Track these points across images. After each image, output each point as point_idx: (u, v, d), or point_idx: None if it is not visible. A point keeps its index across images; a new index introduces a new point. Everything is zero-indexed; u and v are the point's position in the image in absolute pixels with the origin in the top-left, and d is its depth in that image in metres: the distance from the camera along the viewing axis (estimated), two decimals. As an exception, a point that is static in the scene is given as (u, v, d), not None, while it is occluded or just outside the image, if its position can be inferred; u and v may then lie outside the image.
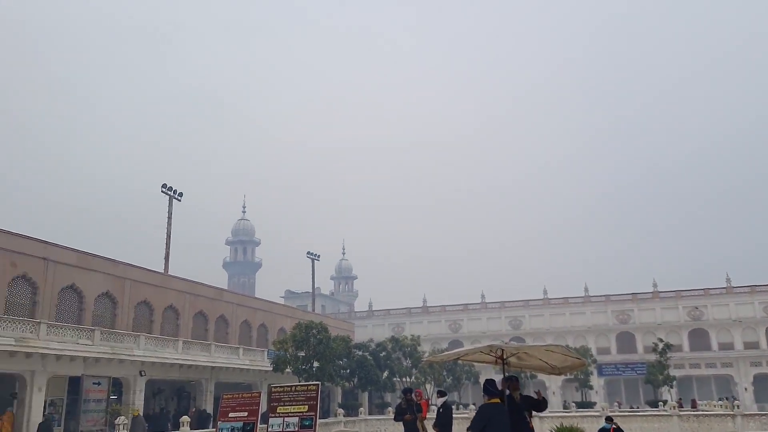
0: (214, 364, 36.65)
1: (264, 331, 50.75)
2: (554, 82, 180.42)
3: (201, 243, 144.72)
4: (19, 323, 26.10)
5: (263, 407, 12.51)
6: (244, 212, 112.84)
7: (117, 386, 30.93)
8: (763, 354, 60.45)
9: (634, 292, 68.12)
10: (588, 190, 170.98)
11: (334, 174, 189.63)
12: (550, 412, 34.70)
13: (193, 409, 33.19)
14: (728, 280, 64.75)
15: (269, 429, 10.52)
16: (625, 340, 66.27)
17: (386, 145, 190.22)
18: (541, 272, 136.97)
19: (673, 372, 50.27)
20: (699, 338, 63.61)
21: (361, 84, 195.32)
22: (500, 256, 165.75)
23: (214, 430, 12.44)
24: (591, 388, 53.45)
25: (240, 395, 11.56)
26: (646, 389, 56.04)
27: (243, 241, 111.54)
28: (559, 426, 14.94)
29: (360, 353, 45.89)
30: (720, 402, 39.25)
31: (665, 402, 41.45)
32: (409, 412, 14.12)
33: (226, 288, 64.09)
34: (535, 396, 10.72)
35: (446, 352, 14.16)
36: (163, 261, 44.99)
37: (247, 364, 39.51)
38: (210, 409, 34.89)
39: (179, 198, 46.98)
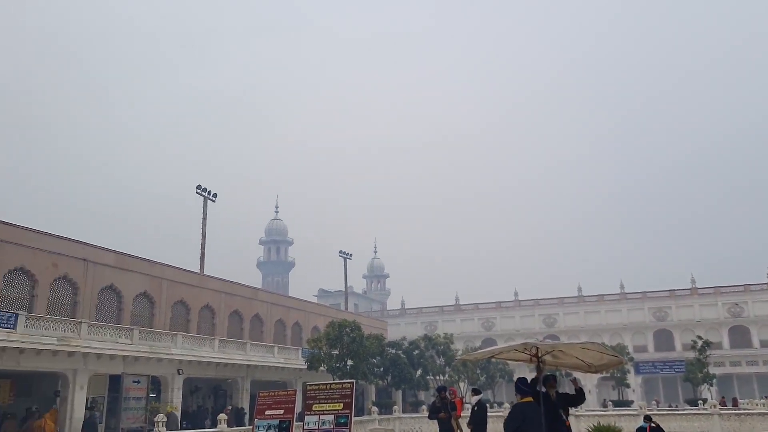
0: (249, 363, 37.07)
1: (298, 329, 51.19)
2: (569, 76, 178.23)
3: (235, 243, 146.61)
4: (61, 323, 26.76)
5: (299, 405, 12.62)
6: (276, 212, 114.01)
7: (156, 384, 31.45)
8: (808, 351, 58.89)
9: (671, 289, 66.87)
10: (619, 183, 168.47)
11: (364, 173, 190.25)
12: (586, 410, 34.27)
13: (229, 407, 33.61)
14: (770, 275, 63.12)
15: (305, 427, 10.62)
16: (663, 338, 65.13)
17: (415, 144, 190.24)
18: (575, 270, 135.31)
19: (713, 370, 49.18)
20: (739, 335, 62.14)
21: (383, 85, 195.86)
22: (533, 253, 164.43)
23: (251, 427, 12.59)
24: (628, 386, 52.59)
25: (276, 393, 11.67)
26: (685, 388, 54.92)
27: (276, 241, 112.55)
28: (596, 425, 14.75)
29: (393, 351, 45.92)
30: (762, 400, 38.29)
31: (705, 400, 40.59)
32: (443, 410, 14.14)
33: (260, 287, 64.78)
34: (573, 392, 10.62)
35: (480, 350, 14.10)
36: (199, 261, 45.73)
37: (281, 363, 39.87)
38: (246, 407, 35.34)
39: (213, 199, 47.63)
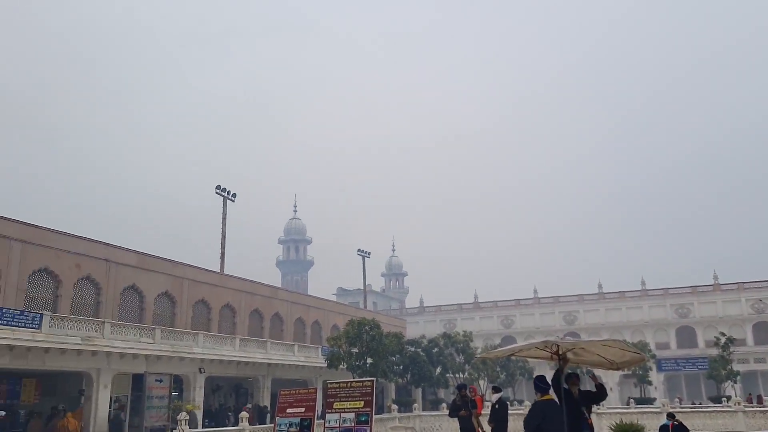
0: (270, 361, 37.30)
1: (317, 328, 51.40)
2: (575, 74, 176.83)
3: (255, 242, 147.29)
4: (85, 323, 27.16)
5: (319, 403, 12.68)
6: (295, 212, 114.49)
7: (178, 383, 31.76)
8: (834, 348, 57.83)
9: (693, 285, 66.02)
10: (639, 176, 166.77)
11: (381, 172, 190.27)
12: (608, 407, 34.00)
13: (249, 405, 33.87)
14: (795, 270, 62.16)
15: (326, 424, 10.67)
16: (685, 335, 64.32)
17: (430, 142, 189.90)
18: (595, 266, 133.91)
19: (737, 367, 48.45)
20: (764, 332, 61.13)
21: (393, 84, 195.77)
22: (552, 250, 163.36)
23: (272, 425, 12.67)
24: (650, 383, 52.04)
25: (297, 391, 11.71)
26: (708, 385, 54.25)
27: (295, 240, 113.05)
28: (618, 422, 14.63)
29: (412, 349, 45.92)
30: (788, 398, 37.70)
31: (729, 398, 40.07)
32: (464, 408, 14.12)
33: (279, 286, 65.11)
34: (594, 389, 10.54)
35: (501, 348, 14.07)
36: (219, 260, 46.09)
37: (302, 361, 40.07)
38: (267, 405, 35.52)
39: (233, 199, 47.97)
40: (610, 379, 59.23)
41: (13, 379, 27.11)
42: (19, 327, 23.81)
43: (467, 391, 14.81)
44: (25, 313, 24.77)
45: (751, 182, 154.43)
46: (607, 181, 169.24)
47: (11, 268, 28.25)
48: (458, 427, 14.59)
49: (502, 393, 14.79)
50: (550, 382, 9.63)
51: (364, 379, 10.84)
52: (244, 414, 24.25)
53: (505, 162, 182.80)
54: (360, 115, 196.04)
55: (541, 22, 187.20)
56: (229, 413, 34.00)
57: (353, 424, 10.31)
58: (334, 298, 75.83)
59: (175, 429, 22.90)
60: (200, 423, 30.23)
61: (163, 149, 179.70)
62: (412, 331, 63.98)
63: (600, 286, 69.92)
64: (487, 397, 30.11)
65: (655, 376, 57.71)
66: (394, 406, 34.99)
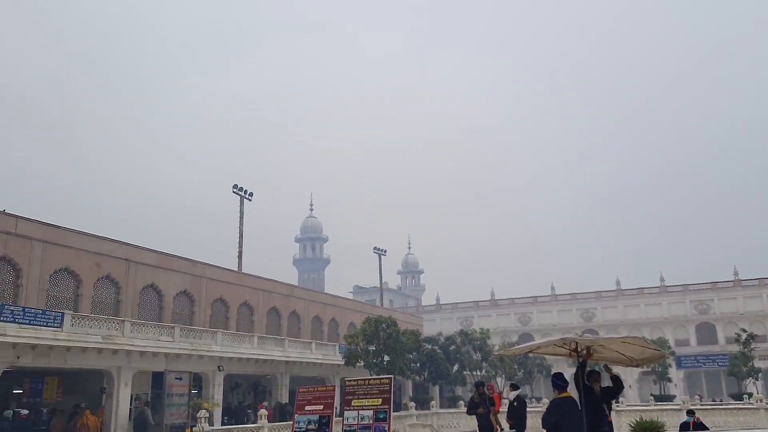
0: (288, 359, 37.48)
1: (335, 325, 51.56)
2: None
3: (272, 241, 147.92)
4: (105, 321, 27.47)
5: (337, 401, 12.75)
6: (311, 210, 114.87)
7: (197, 381, 31.96)
8: None
9: (713, 281, 65.29)
10: (655, 168, 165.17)
11: (397, 170, 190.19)
12: (627, 405, 33.77)
13: (264, 402, 34.07)
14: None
15: (345, 422, 10.71)
16: (705, 331, 63.68)
17: (447, 139, 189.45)
18: (613, 263, 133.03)
19: (758, 364, 47.92)
20: (786, 328, 60.40)
21: (403, 82, 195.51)
22: (569, 246, 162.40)
23: (292, 422, 12.73)
24: (670, 380, 51.63)
25: (315, 389, 11.74)
26: (729, 382, 53.68)
27: (311, 238, 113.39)
28: (638, 420, 14.52)
29: (429, 347, 45.92)
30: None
31: (750, 395, 39.62)
32: (482, 405, 14.11)
33: (296, 284, 65.38)
34: (610, 383, 10.41)
35: (518, 346, 14.01)
36: (236, 259, 46.39)
37: (319, 359, 40.21)
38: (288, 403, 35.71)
39: (250, 198, 48.27)
40: (629, 376, 58.82)
41: (36, 377, 27.49)
42: (41, 326, 24.11)
43: (485, 389, 14.80)
44: (47, 312, 25.08)
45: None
46: (623, 177, 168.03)
47: (33, 268, 28.65)
48: (476, 424, 14.59)
49: (520, 390, 14.77)
50: (568, 379, 9.58)
51: (382, 376, 10.83)
52: (263, 411, 24.41)
53: (522, 158, 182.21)
54: (375, 114, 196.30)
55: (541, 22, 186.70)
56: (249, 411, 34.24)
57: (372, 422, 10.30)
58: (350, 296, 76.04)
59: (195, 426, 23.10)
60: (219, 420, 30.45)
61: (182, 151, 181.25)
62: (428, 329, 63.94)
63: (618, 283, 69.44)
64: (504, 395, 30.08)
65: (675, 373, 57.25)
66: (412, 404, 35.02)
